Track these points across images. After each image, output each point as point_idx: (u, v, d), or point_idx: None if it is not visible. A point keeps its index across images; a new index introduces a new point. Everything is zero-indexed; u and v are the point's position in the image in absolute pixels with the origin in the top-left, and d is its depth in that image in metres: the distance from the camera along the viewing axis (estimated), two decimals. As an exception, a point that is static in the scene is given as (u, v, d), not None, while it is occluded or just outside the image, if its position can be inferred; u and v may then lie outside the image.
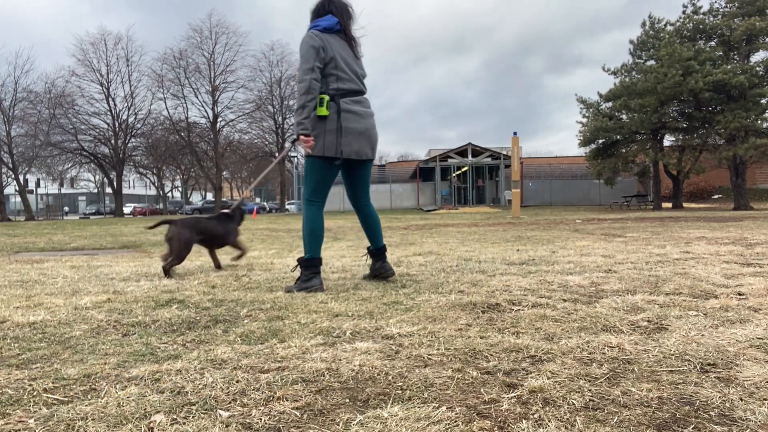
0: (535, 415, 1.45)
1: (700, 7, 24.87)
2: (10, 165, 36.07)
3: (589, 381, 1.69)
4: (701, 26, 24.25)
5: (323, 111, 3.37)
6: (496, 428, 1.39)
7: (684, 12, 25.20)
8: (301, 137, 3.37)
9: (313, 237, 3.52)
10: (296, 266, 3.63)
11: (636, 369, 1.80)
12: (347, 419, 1.45)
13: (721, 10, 24.52)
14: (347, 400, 1.58)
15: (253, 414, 1.49)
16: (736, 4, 23.71)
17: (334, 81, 3.43)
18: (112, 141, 40.60)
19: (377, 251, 3.81)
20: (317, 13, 3.55)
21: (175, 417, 1.47)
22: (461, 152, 36.62)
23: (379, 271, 3.78)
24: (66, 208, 48.91)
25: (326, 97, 3.39)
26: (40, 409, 1.55)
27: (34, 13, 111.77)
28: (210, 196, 56.72)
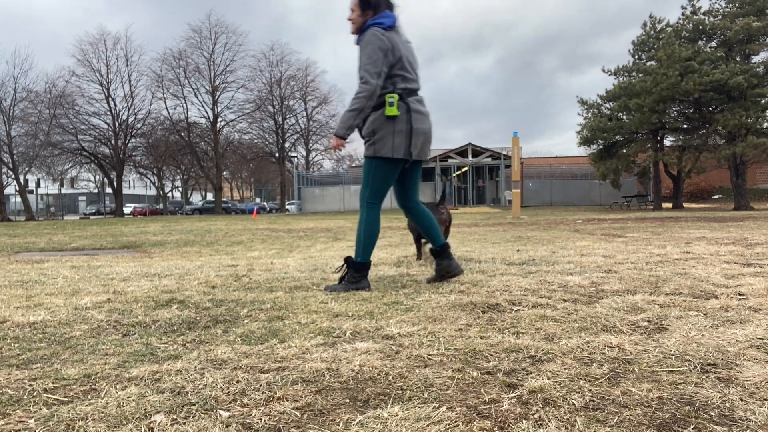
0: (536, 416, 1.45)
1: (699, 8, 24.87)
2: (10, 165, 36.07)
3: (589, 381, 1.69)
4: (701, 27, 24.25)
5: (393, 111, 3.27)
6: (496, 428, 1.39)
7: (683, 13, 25.20)
8: (336, 140, 3.31)
9: (369, 240, 3.43)
10: (342, 266, 3.53)
11: (636, 369, 1.80)
12: (347, 419, 1.45)
13: (721, 10, 24.51)
14: (347, 400, 1.58)
15: (253, 414, 1.49)
16: (736, 5, 23.71)
17: (401, 81, 3.34)
18: (112, 141, 40.60)
19: (441, 249, 3.59)
20: (371, 6, 3.35)
21: (175, 417, 1.47)
22: (461, 152, 36.63)
23: (447, 269, 3.55)
24: (52, 208, 48.15)
25: (396, 96, 3.29)
26: (40, 409, 1.55)
27: (46, 6, 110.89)
28: (210, 196, 56.69)
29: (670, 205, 27.03)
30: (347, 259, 3.47)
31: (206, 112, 42.29)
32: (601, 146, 26.59)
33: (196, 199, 64.79)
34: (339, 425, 1.42)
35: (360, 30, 3.38)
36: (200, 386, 1.70)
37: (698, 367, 1.80)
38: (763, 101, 22.49)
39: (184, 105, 41.88)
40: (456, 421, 1.41)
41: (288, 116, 44.17)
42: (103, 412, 1.51)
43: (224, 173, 49.43)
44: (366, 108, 3.25)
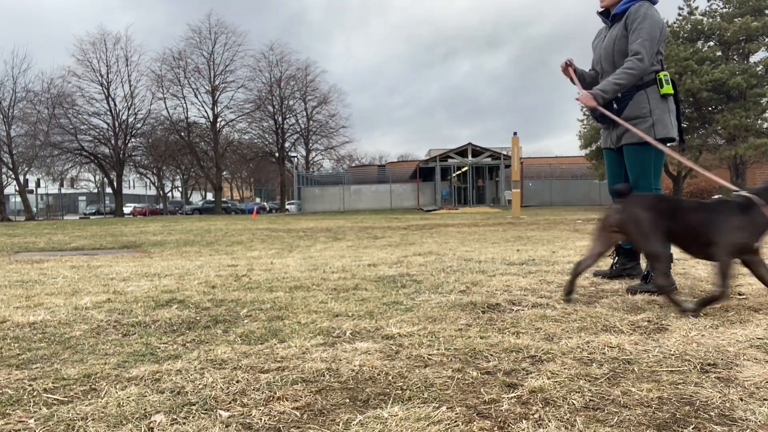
0: (535, 415, 1.45)
1: (696, 8, 24.88)
2: (10, 165, 36.07)
3: (589, 381, 1.69)
4: (698, 27, 24.27)
5: (670, 89, 3.09)
6: (496, 428, 1.39)
7: (680, 14, 25.21)
8: (591, 99, 3.04)
9: None
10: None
11: (636, 369, 1.80)
12: (347, 419, 1.45)
13: (718, 11, 24.53)
14: (347, 400, 1.58)
15: (253, 414, 1.49)
16: (734, 5, 23.73)
17: (660, 58, 3.16)
18: (112, 141, 40.59)
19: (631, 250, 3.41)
20: None
21: (175, 417, 1.47)
22: (461, 152, 36.61)
23: (629, 271, 3.44)
24: (34, 209, 46.93)
25: (668, 74, 3.12)
26: (40, 409, 1.55)
27: (57, 5, 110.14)
28: (210, 196, 56.69)
29: (670, 205, 26.97)
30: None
31: (206, 112, 42.30)
32: (600, 146, 26.57)
33: (196, 199, 64.77)
34: (339, 425, 1.42)
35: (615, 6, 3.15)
36: (200, 386, 1.70)
37: (698, 367, 1.80)
38: (763, 101, 22.50)
39: (184, 105, 41.89)
40: (456, 421, 1.41)
41: (288, 116, 44.16)
42: (103, 412, 1.51)
43: (224, 173, 49.42)
44: (630, 83, 3.05)
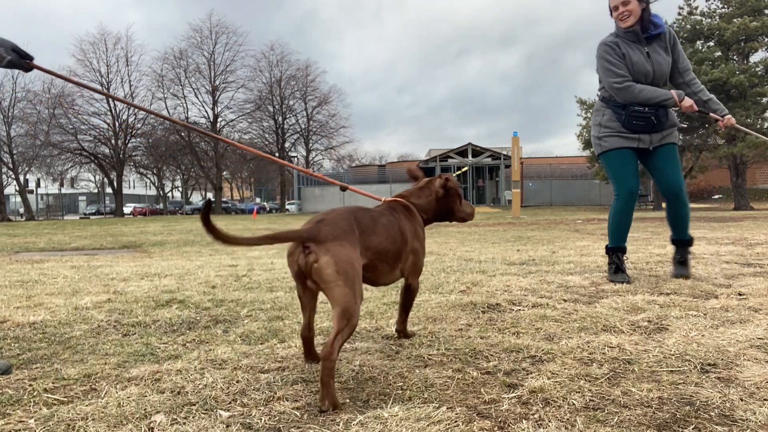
0: (536, 416, 1.45)
1: (696, 8, 24.88)
2: (10, 165, 36.10)
3: (590, 381, 1.69)
4: (698, 27, 24.26)
5: None
6: (496, 428, 1.39)
7: (680, 14, 25.20)
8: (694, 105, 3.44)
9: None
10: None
11: (636, 369, 1.80)
12: (347, 419, 1.45)
13: (717, 11, 24.53)
14: (347, 400, 1.58)
15: (253, 414, 1.49)
16: (733, 5, 23.73)
17: None
18: (112, 141, 40.61)
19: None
20: None
21: (175, 417, 1.47)
22: (461, 152, 36.65)
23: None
24: (34, 209, 45.41)
25: None
26: (40, 409, 1.55)
27: (66, 3, 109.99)
28: (210, 196, 56.68)
29: (670, 204, 26.98)
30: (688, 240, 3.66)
31: (206, 112, 42.36)
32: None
33: (196, 199, 64.78)
34: (339, 425, 1.42)
35: (642, 21, 3.38)
36: (200, 386, 1.70)
37: (698, 367, 1.80)
38: (763, 101, 22.50)
39: (184, 105, 41.97)
40: (456, 421, 1.41)
41: (288, 116, 44.18)
42: (103, 412, 1.51)
43: (224, 173, 49.42)
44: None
